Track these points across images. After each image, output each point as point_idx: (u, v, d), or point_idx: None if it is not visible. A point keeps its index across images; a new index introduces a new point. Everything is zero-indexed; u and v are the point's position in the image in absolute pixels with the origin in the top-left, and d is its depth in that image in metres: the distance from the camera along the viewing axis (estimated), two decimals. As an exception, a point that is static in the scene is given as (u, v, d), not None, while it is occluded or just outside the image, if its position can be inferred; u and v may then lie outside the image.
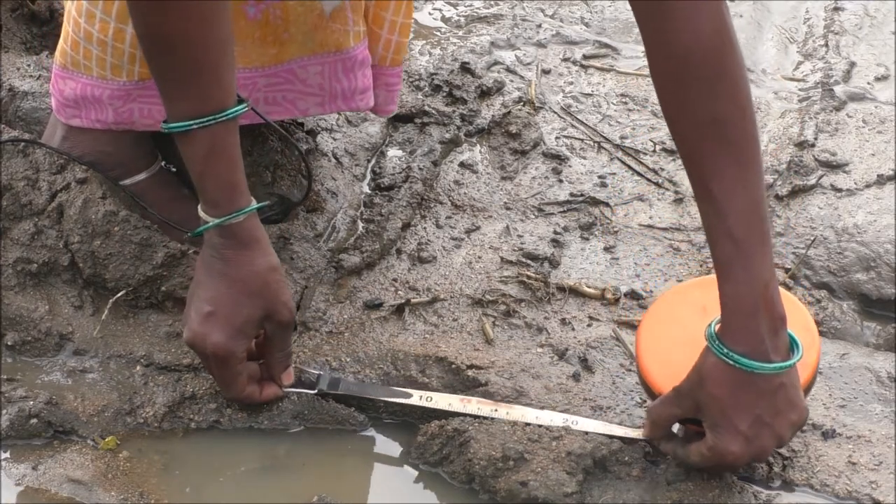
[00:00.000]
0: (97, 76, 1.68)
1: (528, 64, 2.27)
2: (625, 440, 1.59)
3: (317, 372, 1.68)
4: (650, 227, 1.95)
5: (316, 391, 1.66)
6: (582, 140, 2.11)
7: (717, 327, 1.49)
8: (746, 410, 1.47)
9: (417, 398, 1.65)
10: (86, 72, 1.68)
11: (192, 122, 1.49)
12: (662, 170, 2.07)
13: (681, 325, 1.60)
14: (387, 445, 1.66)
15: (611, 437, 1.58)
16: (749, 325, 1.46)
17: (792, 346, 1.49)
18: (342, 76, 1.74)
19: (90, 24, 1.64)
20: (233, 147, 1.53)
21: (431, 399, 1.65)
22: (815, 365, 1.56)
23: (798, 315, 1.56)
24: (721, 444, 1.49)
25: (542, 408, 1.64)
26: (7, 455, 1.60)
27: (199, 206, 1.56)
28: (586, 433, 1.58)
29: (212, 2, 1.44)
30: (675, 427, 1.57)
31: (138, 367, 1.71)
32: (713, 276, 1.50)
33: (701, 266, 1.88)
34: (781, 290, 1.50)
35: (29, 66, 1.95)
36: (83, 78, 1.69)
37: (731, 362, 1.46)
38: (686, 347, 1.54)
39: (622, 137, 2.13)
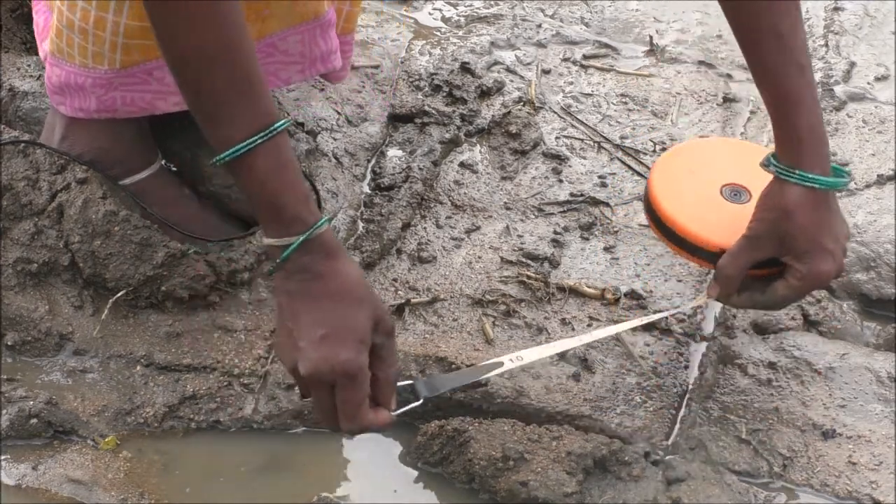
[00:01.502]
0: (79, 64, 1.68)
1: (528, 64, 2.27)
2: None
3: (408, 382, 1.53)
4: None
5: (421, 400, 1.50)
6: (582, 140, 2.11)
7: (788, 158, 1.58)
8: (829, 228, 1.61)
9: (508, 362, 1.58)
10: (69, 60, 1.68)
11: (255, 137, 1.37)
12: (662, 170, 2.06)
13: (686, 188, 1.71)
14: (387, 445, 1.66)
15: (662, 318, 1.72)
16: (823, 146, 1.60)
17: None
18: (320, 40, 1.76)
19: (72, 13, 1.63)
20: (294, 156, 1.42)
21: (521, 358, 1.59)
22: None
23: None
24: (815, 268, 1.60)
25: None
26: (7, 455, 1.60)
27: (265, 236, 1.42)
28: (586, 435, 1.58)
29: (237, 7, 1.37)
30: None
31: (138, 367, 1.71)
32: (683, 145, 1.80)
33: (700, 266, 1.88)
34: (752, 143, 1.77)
35: (29, 66, 1.95)
36: (67, 66, 1.69)
37: (818, 186, 1.58)
38: (706, 204, 1.68)
39: (622, 137, 2.12)
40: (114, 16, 1.61)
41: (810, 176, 1.57)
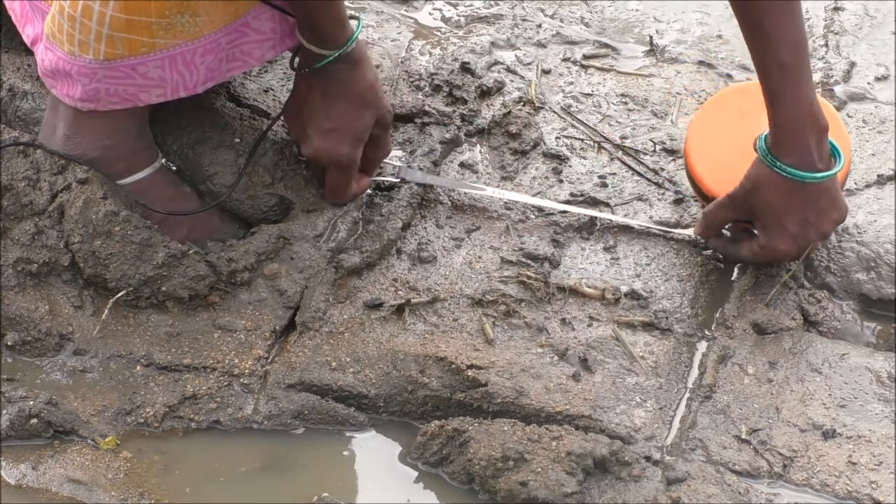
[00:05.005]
0: (67, 52, 1.68)
1: (528, 64, 2.27)
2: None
3: (398, 165, 1.93)
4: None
5: (399, 179, 1.90)
6: (582, 140, 2.11)
7: (769, 141, 1.71)
8: (796, 214, 1.73)
9: (491, 192, 1.91)
10: (59, 45, 1.69)
11: None
12: (662, 170, 2.06)
13: (724, 130, 1.85)
14: (387, 445, 1.66)
15: (665, 234, 1.87)
16: (799, 140, 1.69)
17: (833, 153, 1.74)
18: (289, 14, 1.79)
19: None
20: None
21: (503, 195, 1.90)
22: (849, 161, 1.83)
23: (833, 122, 1.76)
24: (773, 244, 1.75)
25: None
26: (7, 455, 1.60)
27: (305, 46, 1.74)
28: (586, 435, 1.58)
29: None
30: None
31: (138, 367, 1.71)
32: (748, 83, 1.86)
33: (702, 267, 1.88)
34: (821, 99, 1.74)
35: (29, 65, 1.95)
36: (58, 51, 1.69)
37: (784, 174, 1.70)
38: (732, 152, 1.81)
39: (622, 137, 2.12)
40: (100, 6, 1.62)
41: (779, 164, 1.70)
